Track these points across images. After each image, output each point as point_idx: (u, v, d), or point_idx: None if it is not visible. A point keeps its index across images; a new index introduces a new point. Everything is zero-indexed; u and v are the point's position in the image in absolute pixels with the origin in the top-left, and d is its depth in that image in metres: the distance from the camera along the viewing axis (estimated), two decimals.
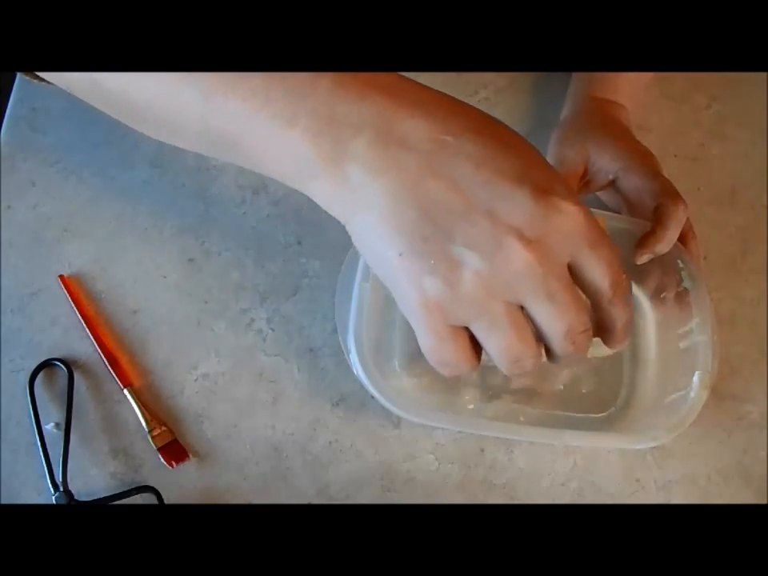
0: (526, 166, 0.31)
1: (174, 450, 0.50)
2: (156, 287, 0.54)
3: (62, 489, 0.48)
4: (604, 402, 0.53)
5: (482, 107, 0.60)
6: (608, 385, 0.53)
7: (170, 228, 0.55)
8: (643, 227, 0.51)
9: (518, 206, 0.30)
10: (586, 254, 0.32)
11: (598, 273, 0.32)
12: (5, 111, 0.58)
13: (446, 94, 0.33)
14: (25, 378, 0.50)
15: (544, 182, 0.31)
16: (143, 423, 0.50)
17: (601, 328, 0.35)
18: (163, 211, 0.56)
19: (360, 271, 0.47)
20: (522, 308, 0.32)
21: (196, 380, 0.52)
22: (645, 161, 0.53)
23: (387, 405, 0.46)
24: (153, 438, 0.50)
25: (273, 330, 0.53)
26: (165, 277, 0.54)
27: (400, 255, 0.30)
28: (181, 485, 0.50)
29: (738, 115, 0.62)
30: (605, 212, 0.52)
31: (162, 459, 0.50)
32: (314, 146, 0.31)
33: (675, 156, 0.60)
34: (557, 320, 0.32)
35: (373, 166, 0.30)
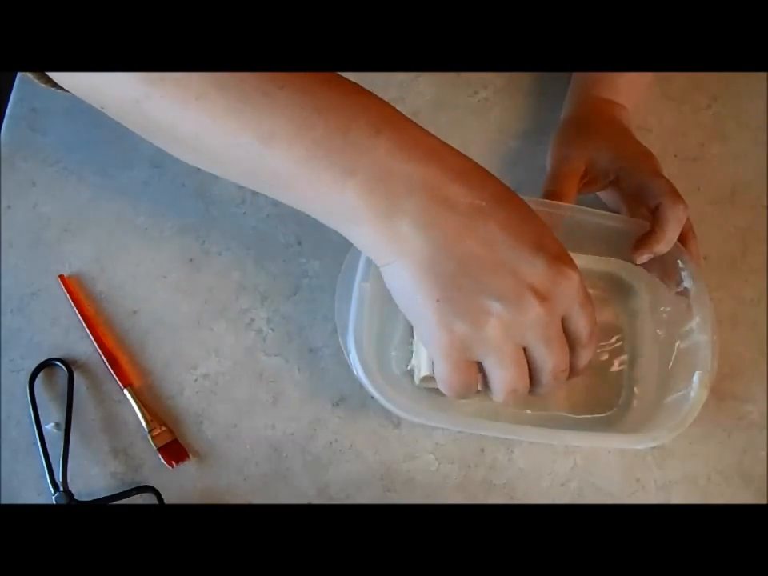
0: (540, 235, 0.37)
1: (174, 450, 0.50)
2: (156, 287, 0.54)
3: (61, 489, 0.48)
4: (604, 403, 0.53)
5: (482, 107, 0.61)
6: (608, 385, 0.53)
7: (170, 228, 0.55)
8: (642, 227, 0.51)
9: (536, 269, 0.36)
10: (577, 311, 0.39)
11: (583, 325, 0.39)
12: (5, 111, 0.58)
13: (476, 164, 0.37)
14: (25, 378, 0.50)
15: (555, 250, 0.37)
16: (143, 423, 0.50)
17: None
18: (163, 211, 0.56)
19: (360, 271, 0.47)
20: (524, 349, 0.38)
21: (196, 380, 0.52)
22: (645, 161, 0.53)
23: (387, 405, 0.46)
24: (153, 438, 0.50)
25: (273, 330, 0.53)
26: (165, 277, 0.54)
27: (437, 301, 0.35)
28: (181, 485, 0.50)
29: (738, 115, 0.62)
30: (604, 212, 0.52)
31: (161, 459, 0.50)
32: (369, 198, 0.34)
33: (675, 156, 0.60)
34: (548, 360, 0.39)
35: (420, 221, 0.34)
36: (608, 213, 0.53)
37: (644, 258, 0.50)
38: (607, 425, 0.52)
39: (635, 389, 0.53)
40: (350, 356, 0.46)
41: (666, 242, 0.49)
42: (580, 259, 0.44)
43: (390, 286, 0.37)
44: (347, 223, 0.36)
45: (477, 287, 0.35)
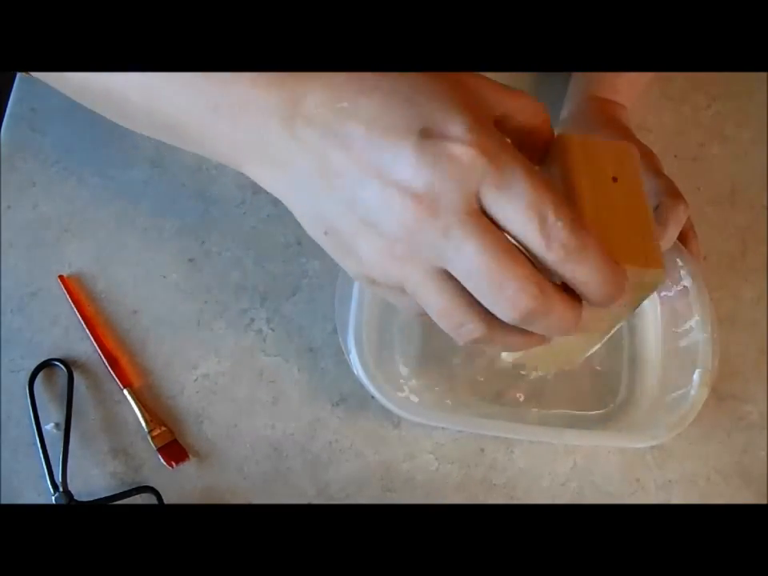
0: (423, 115, 0.28)
1: (174, 450, 0.50)
2: (156, 287, 0.54)
3: (61, 489, 0.48)
4: (603, 400, 0.53)
5: None
6: (607, 383, 0.53)
7: (169, 228, 0.55)
8: None
9: (401, 158, 0.27)
10: (492, 196, 0.28)
11: (515, 216, 0.28)
12: (5, 111, 0.58)
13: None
14: (25, 378, 0.50)
15: (442, 126, 0.28)
16: (143, 423, 0.50)
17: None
18: (163, 211, 0.56)
19: None
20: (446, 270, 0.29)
21: (196, 380, 0.52)
22: (646, 160, 0.53)
23: (387, 405, 0.46)
24: (153, 438, 0.50)
25: (273, 330, 0.53)
26: (165, 277, 0.54)
27: (325, 234, 0.30)
28: (181, 485, 0.50)
29: (738, 115, 0.62)
30: None
31: (161, 459, 0.50)
32: (235, 131, 0.31)
33: (675, 156, 0.60)
34: (477, 270, 0.27)
35: (279, 161, 0.30)
36: None
37: None
38: (607, 423, 0.52)
39: (635, 387, 0.53)
40: (350, 356, 0.46)
41: (666, 241, 0.49)
42: None
43: None
44: (240, 165, 0.33)
45: (350, 208, 0.28)
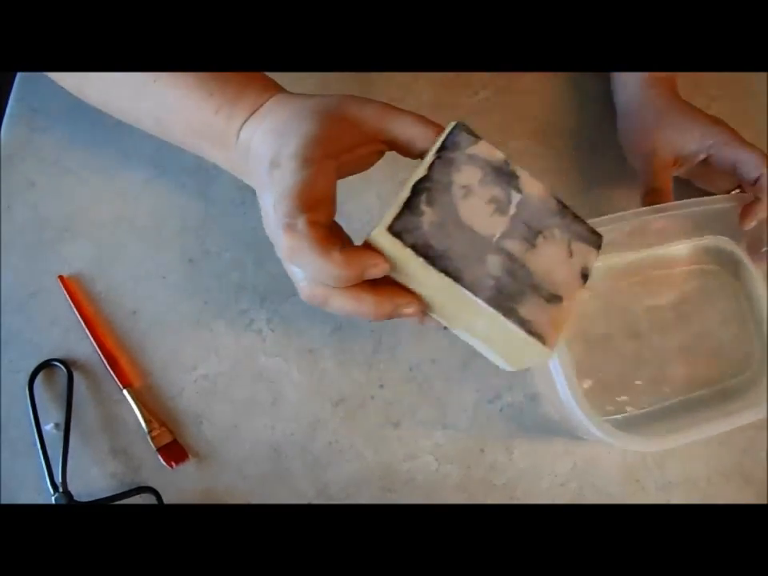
0: (277, 148, 0.39)
1: (174, 451, 0.50)
2: (156, 287, 0.54)
3: (61, 489, 0.48)
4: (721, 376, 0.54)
5: (482, 107, 0.61)
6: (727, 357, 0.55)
7: (170, 228, 0.55)
8: (743, 200, 0.52)
9: (256, 182, 0.40)
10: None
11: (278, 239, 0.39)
12: (5, 111, 0.58)
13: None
14: (24, 378, 0.50)
15: (281, 158, 0.38)
16: (143, 424, 0.50)
17: None
18: (163, 211, 0.56)
19: None
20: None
21: (195, 380, 0.52)
22: (730, 133, 0.54)
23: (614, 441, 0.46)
24: (152, 438, 0.50)
25: (272, 330, 0.53)
26: (165, 277, 0.54)
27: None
28: (180, 485, 0.50)
29: (738, 115, 0.62)
30: (703, 198, 0.52)
31: (161, 460, 0.50)
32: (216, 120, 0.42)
33: None
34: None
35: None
36: (712, 197, 0.53)
37: (751, 224, 0.51)
38: (725, 398, 0.53)
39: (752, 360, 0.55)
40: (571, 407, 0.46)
41: None
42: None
43: None
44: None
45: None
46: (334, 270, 0.36)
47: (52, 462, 0.48)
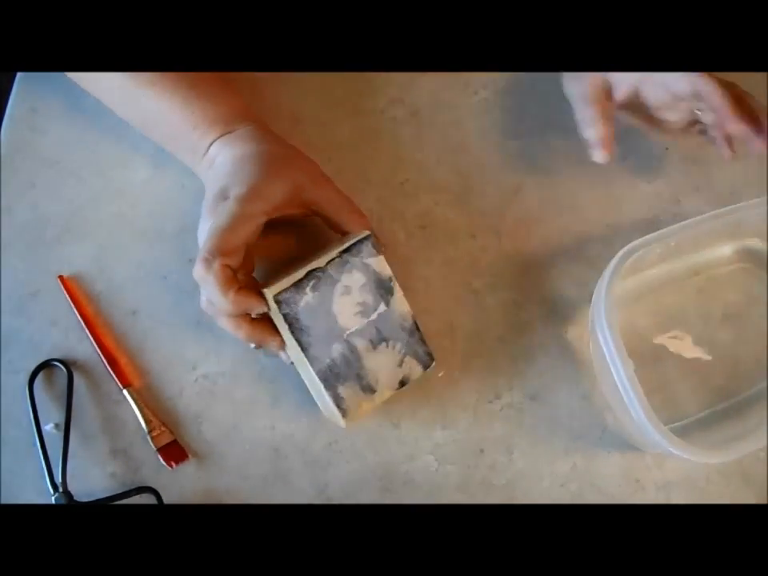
0: (227, 186, 0.48)
1: (174, 451, 0.50)
2: (156, 287, 0.54)
3: (61, 489, 0.48)
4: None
5: (482, 107, 0.61)
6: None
7: (169, 228, 0.55)
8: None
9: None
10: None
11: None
12: (5, 111, 0.58)
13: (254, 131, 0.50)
14: (24, 378, 0.50)
15: (228, 194, 0.47)
16: (143, 424, 0.50)
17: None
18: (163, 211, 0.56)
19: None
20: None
21: (196, 380, 0.52)
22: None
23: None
24: (152, 438, 0.50)
25: None
26: (165, 277, 0.54)
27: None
28: (180, 485, 0.50)
29: None
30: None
31: (161, 460, 0.50)
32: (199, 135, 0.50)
33: (675, 156, 0.60)
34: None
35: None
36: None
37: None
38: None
39: None
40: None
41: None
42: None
43: None
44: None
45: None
46: (225, 304, 0.45)
47: (52, 462, 0.48)
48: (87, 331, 0.52)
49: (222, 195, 0.47)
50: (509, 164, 0.57)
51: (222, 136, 0.50)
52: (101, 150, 0.57)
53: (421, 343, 0.49)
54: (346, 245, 0.47)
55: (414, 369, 0.49)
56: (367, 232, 0.48)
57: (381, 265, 0.48)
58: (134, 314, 0.53)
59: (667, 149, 0.60)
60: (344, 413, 0.47)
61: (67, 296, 0.53)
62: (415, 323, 0.49)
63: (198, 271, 0.46)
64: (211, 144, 0.50)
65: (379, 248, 0.48)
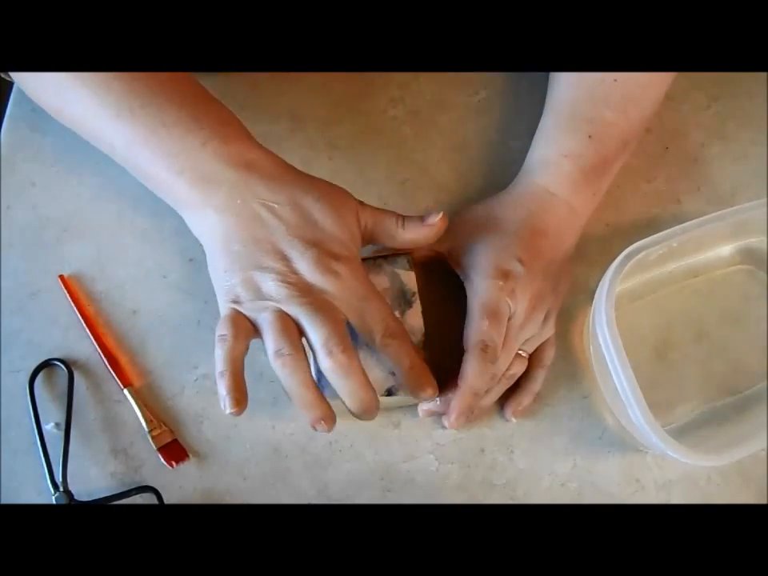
0: (320, 237, 0.44)
1: (174, 450, 0.50)
2: (156, 287, 0.54)
3: (61, 489, 0.48)
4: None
5: (482, 107, 0.61)
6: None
7: (169, 228, 0.55)
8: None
9: (304, 259, 0.43)
10: (355, 305, 0.44)
11: (371, 320, 0.44)
12: (5, 111, 0.58)
13: (290, 171, 0.46)
14: (25, 378, 0.50)
15: (332, 251, 0.44)
16: (143, 423, 0.50)
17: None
18: (163, 211, 0.55)
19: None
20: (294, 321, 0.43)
21: (196, 380, 0.52)
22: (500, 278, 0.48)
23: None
24: (153, 438, 0.50)
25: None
26: (165, 277, 0.54)
27: (224, 271, 0.44)
28: (181, 485, 0.50)
29: (738, 115, 0.62)
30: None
31: (161, 459, 0.50)
32: (190, 192, 0.45)
33: (675, 156, 0.60)
34: (316, 331, 0.42)
35: (220, 209, 0.45)
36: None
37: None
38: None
39: None
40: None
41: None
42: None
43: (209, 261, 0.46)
44: (179, 207, 0.47)
45: (254, 265, 0.43)
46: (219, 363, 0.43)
47: (52, 462, 0.48)
48: (87, 331, 0.52)
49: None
50: (509, 164, 0.57)
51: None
52: (101, 150, 0.56)
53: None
54: (385, 253, 0.49)
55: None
56: (409, 250, 0.50)
57: (409, 278, 0.49)
58: (134, 313, 0.53)
59: (667, 148, 0.60)
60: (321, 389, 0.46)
61: (67, 296, 0.53)
62: (423, 342, 0.48)
63: (217, 345, 0.43)
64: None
65: (413, 266, 0.49)
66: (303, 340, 0.43)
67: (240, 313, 0.43)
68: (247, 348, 0.43)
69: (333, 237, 0.44)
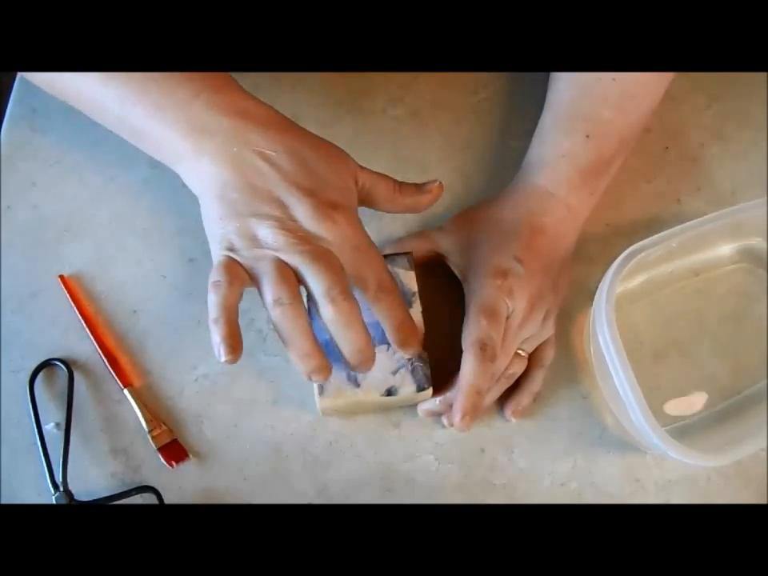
0: (318, 186, 0.43)
1: (174, 450, 0.50)
2: (156, 287, 0.54)
3: (62, 489, 0.48)
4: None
5: (482, 107, 0.61)
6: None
7: (169, 228, 0.55)
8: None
9: (302, 207, 0.42)
10: (351, 255, 0.43)
11: (366, 271, 0.43)
12: (5, 111, 0.57)
13: (284, 120, 0.45)
14: (25, 378, 0.51)
15: (330, 199, 0.43)
16: (143, 423, 0.50)
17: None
18: (163, 211, 0.56)
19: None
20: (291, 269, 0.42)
21: (196, 380, 0.52)
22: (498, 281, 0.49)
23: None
24: (153, 437, 0.50)
25: (273, 330, 0.53)
26: (165, 277, 0.54)
27: (220, 219, 0.43)
28: (181, 485, 0.50)
29: (738, 115, 0.62)
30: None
31: (161, 459, 0.50)
32: (184, 142, 0.44)
33: (675, 156, 0.60)
34: (317, 280, 0.41)
35: (215, 159, 0.43)
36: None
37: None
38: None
39: None
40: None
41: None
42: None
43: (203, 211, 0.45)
44: (174, 162, 0.46)
45: (251, 212, 0.42)
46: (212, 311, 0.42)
47: (52, 462, 0.48)
48: (88, 331, 0.52)
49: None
50: (509, 164, 0.57)
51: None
52: (101, 150, 0.57)
53: (422, 364, 0.48)
54: (385, 253, 0.50)
55: (405, 384, 0.47)
56: (409, 250, 0.50)
57: (409, 278, 0.49)
58: (134, 313, 0.53)
59: (667, 148, 0.60)
60: (321, 389, 0.47)
61: (68, 296, 0.53)
62: (423, 342, 0.48)
63: (210, 292, 0.42)
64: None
65: (413, 266, 0.49)
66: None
67: (234, 260, 0.42)
68: (241, 295, 0.42)
69: (330, 185, 0.44)
